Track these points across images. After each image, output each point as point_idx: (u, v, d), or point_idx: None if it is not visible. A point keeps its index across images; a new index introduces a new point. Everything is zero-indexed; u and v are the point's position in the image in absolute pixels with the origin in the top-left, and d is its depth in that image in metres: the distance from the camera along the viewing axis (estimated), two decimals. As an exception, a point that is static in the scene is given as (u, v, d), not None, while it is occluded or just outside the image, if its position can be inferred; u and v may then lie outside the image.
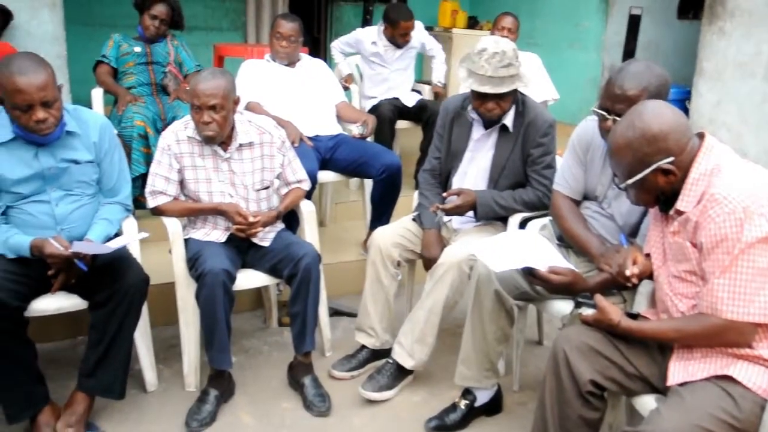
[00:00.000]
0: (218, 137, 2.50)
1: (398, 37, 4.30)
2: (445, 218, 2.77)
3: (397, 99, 4.30)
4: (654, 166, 1.73)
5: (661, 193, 1.79)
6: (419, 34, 4.49)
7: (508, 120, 2.65)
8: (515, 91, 2.58)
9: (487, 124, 2.68)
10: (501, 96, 2.52)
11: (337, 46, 4.56)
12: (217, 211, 2.59)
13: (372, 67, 4.40)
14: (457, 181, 2.78)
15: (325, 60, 4.28)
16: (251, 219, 2.55)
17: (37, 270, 2.23)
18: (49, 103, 2.13)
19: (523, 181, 2.70)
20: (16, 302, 2.13)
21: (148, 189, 2.61)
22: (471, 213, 2.70)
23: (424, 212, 2.74)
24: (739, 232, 1.62)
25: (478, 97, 2.55)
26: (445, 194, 2.69)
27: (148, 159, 3.30)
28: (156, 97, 3.71)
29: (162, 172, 2.58)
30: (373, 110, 4.02)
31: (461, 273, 2.51)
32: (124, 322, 2.27)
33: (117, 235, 2.45)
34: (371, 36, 4.37)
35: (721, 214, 1.65)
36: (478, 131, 2.73)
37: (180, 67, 3.86)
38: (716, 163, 1.72)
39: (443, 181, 2.84)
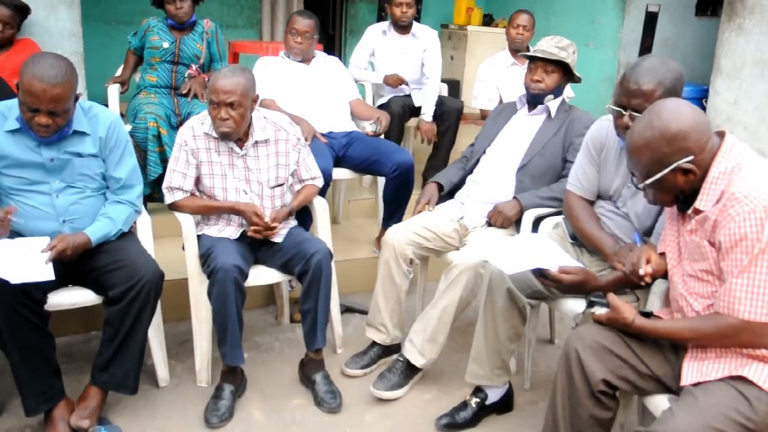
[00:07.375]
0: (234, 134, 2.51)
1: (396, 10, 4.09)
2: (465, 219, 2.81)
3: (408, 96, 4.25)
4: (673, 166, 1.71)
5: (680, 193, 1.77)
6: (431, 38, 4.27)
7: (553, 105, 2.79)
8: (562, 81, 2.77)
9: (532, 106, 2.83)
10: (548, 71, 2.72)
11: (354, 63, 4.29)
12: (234, 211, 2.60)
13: (382, 58, 4.27)
14: (491, 152, 2.88)
15: (340, 57, 4.27)
16: (267, 220, 2.55)
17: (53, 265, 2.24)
18: (56, 114, 2.14)
19: (556, 164, 2.78)
20: (40, 294, 2.17)
21: (165, 184, 2.63)
22: (485, 212, 2.76)
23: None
24: (759, 231, 1.61)
25: (529, 68, 2.78)
26: (489, 218, 2.75)
27: (163, 157, 3.31)
28: (172, 93, 3.65)
29: (179, 168, 2.60)
30: (384, 107, 3.99)
31: (476, 275, 2.51)
32: (138, 318, 2.29)
33: (129, 233, 2.46)
34: (381, 27, 4.27)
35: (741, 213, 1.63)
36: (522, 113, 2.89)
37: (208, 66, 3.75)
38: (736, 162, 1.70)
39: (474, 162, 2.93)
